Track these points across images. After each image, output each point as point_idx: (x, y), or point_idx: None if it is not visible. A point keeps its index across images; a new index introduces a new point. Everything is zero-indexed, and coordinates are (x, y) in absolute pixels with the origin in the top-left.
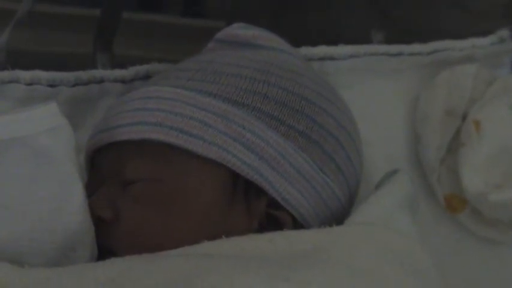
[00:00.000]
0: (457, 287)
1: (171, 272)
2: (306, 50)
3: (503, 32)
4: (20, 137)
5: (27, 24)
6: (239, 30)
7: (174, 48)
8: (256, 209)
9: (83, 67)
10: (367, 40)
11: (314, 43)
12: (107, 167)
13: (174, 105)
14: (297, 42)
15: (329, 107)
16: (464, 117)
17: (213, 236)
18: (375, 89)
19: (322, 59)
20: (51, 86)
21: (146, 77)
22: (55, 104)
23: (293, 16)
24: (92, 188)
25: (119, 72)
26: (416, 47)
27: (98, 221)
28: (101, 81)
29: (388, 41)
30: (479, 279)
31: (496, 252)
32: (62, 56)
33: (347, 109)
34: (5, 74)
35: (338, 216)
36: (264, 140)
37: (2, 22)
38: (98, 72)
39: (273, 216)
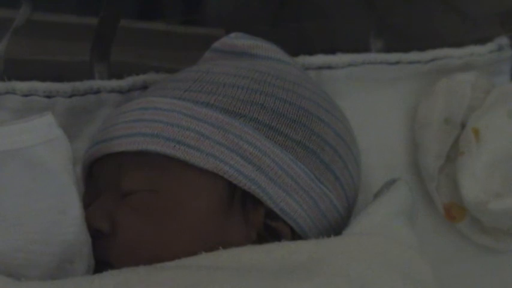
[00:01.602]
0: None
1: (168, 285)
2: (304, 59)
3: (502, 40)
4: (16, 148)
5: (25, 33)
6: (236, 39)
7: (173, 56)
8: (254, 220)
9: (81, 75)
10: (365, 48)
11: (312, 51)
12: (104, 178)
13: (171, 116)
14: (294, 51)
15: (327, 117)
16: (463, 126)
17: (211, 247)
18: (374, 97)
19: (320, 67)
20: (47, 97)
21: (143, 87)
22: (51, 115)
23: (291, 24)
24: (89, 199)
25: (115, 83)
26: (414, 55)
27: (95, 233)
28: (97, 91)
29: (387, 49)
30: (478, 287)
31: (495, 260)
32: (59, 64)
33: (345, 119)
34: (1, 85)
35: (336, 226)
36: (262, 151)
37: (0, 30)
38: (95, 83)
39: (271, 227)
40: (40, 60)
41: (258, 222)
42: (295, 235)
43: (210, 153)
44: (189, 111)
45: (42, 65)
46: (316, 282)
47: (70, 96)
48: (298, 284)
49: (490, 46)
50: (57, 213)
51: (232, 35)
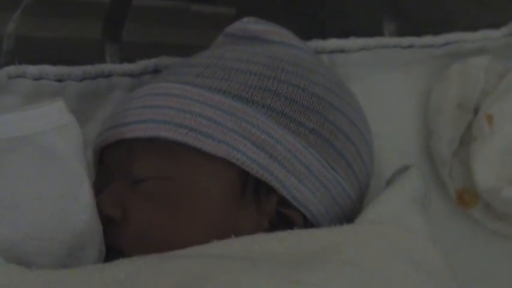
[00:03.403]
0: (469, 282)
1: (180, 274)
2: (317, 43)
3: None
4: (26, 135)
5: (36, 10)
6: (249, 24)
7: (184, 34)
8: (267, 208)
9: (91, 54)
10: (378, 32)
11: (325, 35)
12: (116, 164)
13: (183, 103)
14: (307, 35)
15: (339, 104)
16: (476, 110)
17: (223, 235)
18: (386, 81)
19: (332, 51)
20: (58, 80)
21: (155, 70)
22: (62, 101)
23: (304, 8)
24: (100, 185)
25: (127, 67)
26: (428, 39)
27: (106, 220)
28: (109, 75)
29: (400, 32)
30: (491, 273)
31: (509, 246)
32: (70, 42)
33: (358, 105)
34: (12, 69)
35: (348, 213)
36: (274, 138)
37: (10, 8)
38: (106, 67)
39: (283, 215)
40: (51, 37)
41: (271, 209)
42: (308, 222)
43: (222, 140)
44: (201, 97)
45: (52, 43)
46: (327, 271)
47: (81, 80)
48: (309, 273)
49: (504, 30)
50: (68, 200)
51: (245, 19)
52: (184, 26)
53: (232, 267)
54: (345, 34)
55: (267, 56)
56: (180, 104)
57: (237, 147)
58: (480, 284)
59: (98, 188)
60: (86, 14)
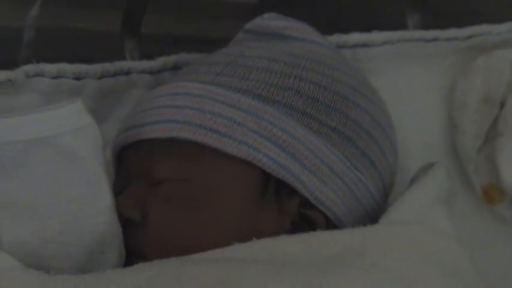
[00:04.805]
0: (495, 279)
1: (201, 279)
2: (339, 37)
3: None
4: (45, 137)
5: (56, 1)
6: (269, 20)
7: (205, 25)
8: (288, 209)
9: (111, 48)
10: (402, 25)
11: (347, 30)
12: (135, 165)
13: (203, 103)
14: (329, 29)
15: (362, 101)
16: (502, 104)
17: (244, 237)
18: (410, 75)
19: (355, 46)
20: (77, 78)
21: (174, 67)
22: (80, 102)
23: (326, 2)
24: (119, 186)
25: (146, 64)
26: (452, 32)
27: (126, 222)
28: (128, 72)
29: (424, 25)
30: None
31: None
32: (89, 34)
33: (381, 102)
34: (30, 68)
35: (372, 213)
36: (296, 138)
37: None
38: (125, 64)
39: (305, 216)
40: (70, 29)
41: (292, 211)
42: (330, 223)
43: (243, 140)
44: (221, 97)
45: (72, 35)
46: (350, 275)
47: (100, 78)
48: (333, 277)
49: None
50: (87, 202)
51: (266, 15)
52: (204, 16)
53: (253, 271)
54: (367, 28)
55: (288, 54)
56: (200, 104)
57: (258, 147)
58: (507, 282)
59: (117, 189)
60: (105, 6)
